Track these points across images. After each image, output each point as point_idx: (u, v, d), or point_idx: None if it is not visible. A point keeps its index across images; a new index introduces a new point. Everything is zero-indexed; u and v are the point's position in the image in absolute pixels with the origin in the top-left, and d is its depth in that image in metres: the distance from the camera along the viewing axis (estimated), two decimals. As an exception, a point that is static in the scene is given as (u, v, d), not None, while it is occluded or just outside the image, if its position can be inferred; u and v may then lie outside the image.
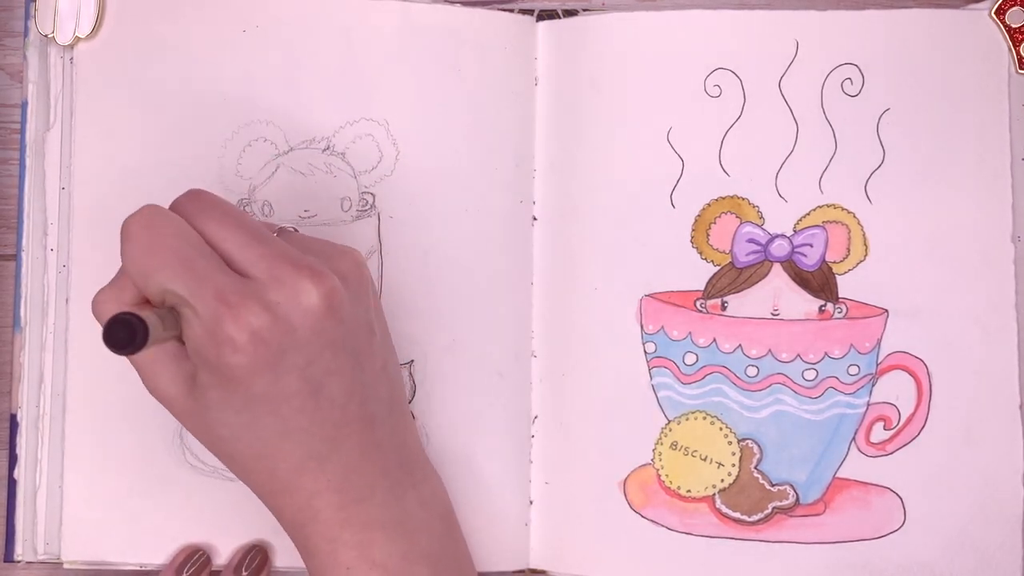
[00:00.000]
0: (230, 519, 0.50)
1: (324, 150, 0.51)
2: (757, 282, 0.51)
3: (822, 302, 0.50)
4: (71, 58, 0.51)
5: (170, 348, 0.40)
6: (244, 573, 0.49)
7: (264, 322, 0.37)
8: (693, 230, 0.51)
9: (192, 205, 0.39)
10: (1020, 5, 0.50)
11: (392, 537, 0.42)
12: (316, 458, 0.40)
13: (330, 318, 0.39)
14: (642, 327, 0.51)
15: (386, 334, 0.44)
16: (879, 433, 0.50)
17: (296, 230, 0.43)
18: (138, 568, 0.50)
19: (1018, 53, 0.50)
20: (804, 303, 0.50)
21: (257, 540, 0.50)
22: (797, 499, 0.50)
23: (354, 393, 0.40)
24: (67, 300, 0.50)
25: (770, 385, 0.50)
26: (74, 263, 0.50)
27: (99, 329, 0.49)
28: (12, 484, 0.50)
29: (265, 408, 0.39)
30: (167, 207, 0.40)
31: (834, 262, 0.50)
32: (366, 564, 0.41)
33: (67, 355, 0.50)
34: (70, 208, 0.50)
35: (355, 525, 0.41)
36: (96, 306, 0.40)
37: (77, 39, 0.50)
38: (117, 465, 0.50)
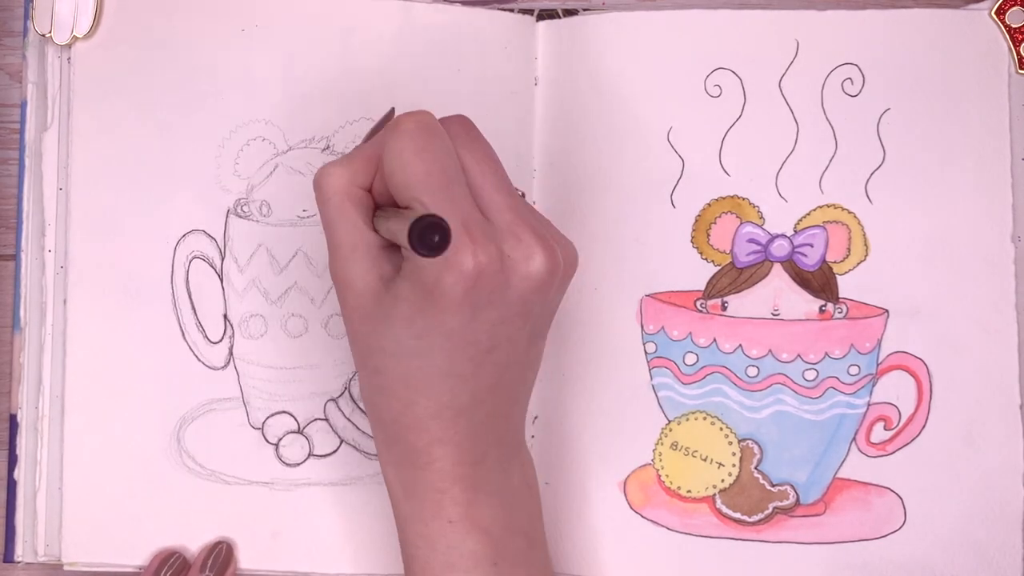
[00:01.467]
0: (228, 521, 0.50)
1: (323, 150, 0.50)
2: (757, 282, 0.51)
3: (822, 302, 0.50)
4: (69, 58, 0.50)
5: (377, 243, 0.40)
6: (209, 574, 0.49)
7: (492, 267, 0.38)
8: (693, 230, 0.51)
9: (462, 131, 0.41)
10: (1020, 5, 0.50)
11: (496, 504, 0.42)
12: (455, 408, 0.40)
13: (540, 292, 0.40)
14: (642, 327, 0.51)
15: (547, 335, 0.45)
16: (879, 433, 0.50)
17: (524, 195, 0.43)
18: (137, 570, 0.50)
19: (1018, 53, 0.50)
20: (804, 303, 0.50)
21: (221, 537, 0.50)
22: (797, 499, 0.50)
23: (514, 366, 0.41)
24: (64, 301, 0.50)
25: (770, 385, 0.50)
26: (72, 264, 0.50)
27: (96, 330, 0.49)
28: (12, 485, 0.50)
29: (443, 344, 0.39)
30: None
31: (834, 262, 0.50)
32: (469, 522, 0.41)
33: (65, 356, 0.50)
34: (68, 208, 0.50)
35: (465, 483, 0.41)
36: (324, 177, 0.40)
37: (75, 38, 0.50)
38: (116, 467, 0.50)
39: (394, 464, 0.42)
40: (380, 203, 0.41)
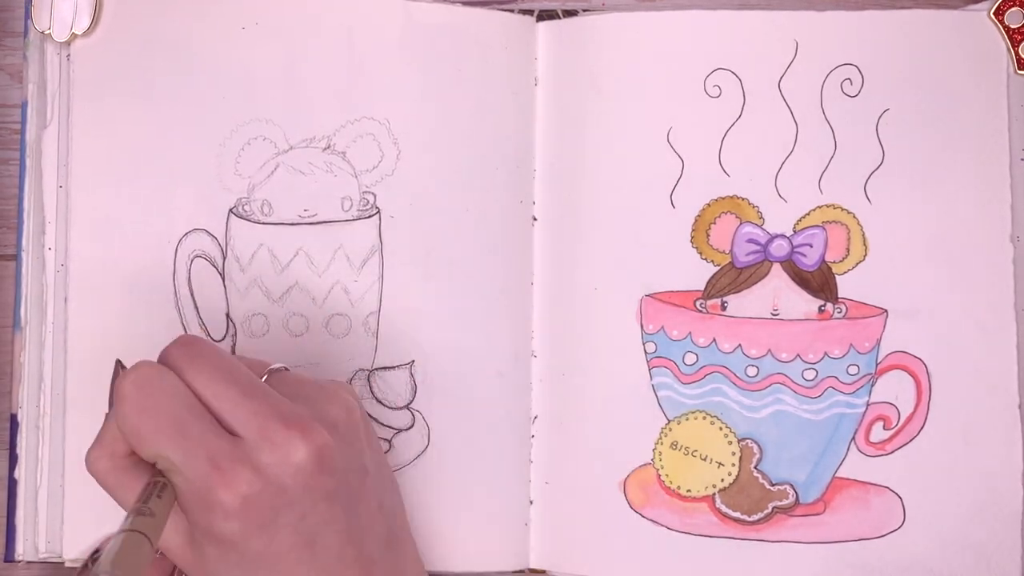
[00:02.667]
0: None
1: (324, 149, 0.50)
2: (757, 282, 0.51)
3: (822, 302, 0.50)
4: (68, 55, 0.50)
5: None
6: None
7: (255, 487, 0.37)
8: (693, 230, 0.51)
9: (182, 356, 0.39)
10: (1019, 6, 0.50)
11: None
12: None
13: (321, 473, 0.38)
14: (642, 327, 0.51)
15: (382, 466, 0.44)
16: (879, 433, 0.50)
17: (287, 369, 0.42)
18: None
19: (1017, 54, 0.50)
20: (804, 303, 0.51)
21: None
22: (797, 499, 0.50)
23: (350, 538, 0.40)
24: (65, 299, 0.50)
25: (770, 385, 0.50)
26: (72, 262, 0.50)
27: (98, 329, 0.49)
28: (12, 484, 0.50)
29: (261, 564, 0.39)
30: (156, 358, 0.40)
31: (834, 262, 0.51)
32: None
33: (66, 354, 0.50)
34: (68, 207, 0.50)
35: None
36: (91, 464, 0.40)
37: (74, 36, 0.50)
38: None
39: None
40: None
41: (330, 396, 0.42)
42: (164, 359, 0.40)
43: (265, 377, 0.41)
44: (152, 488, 0.38)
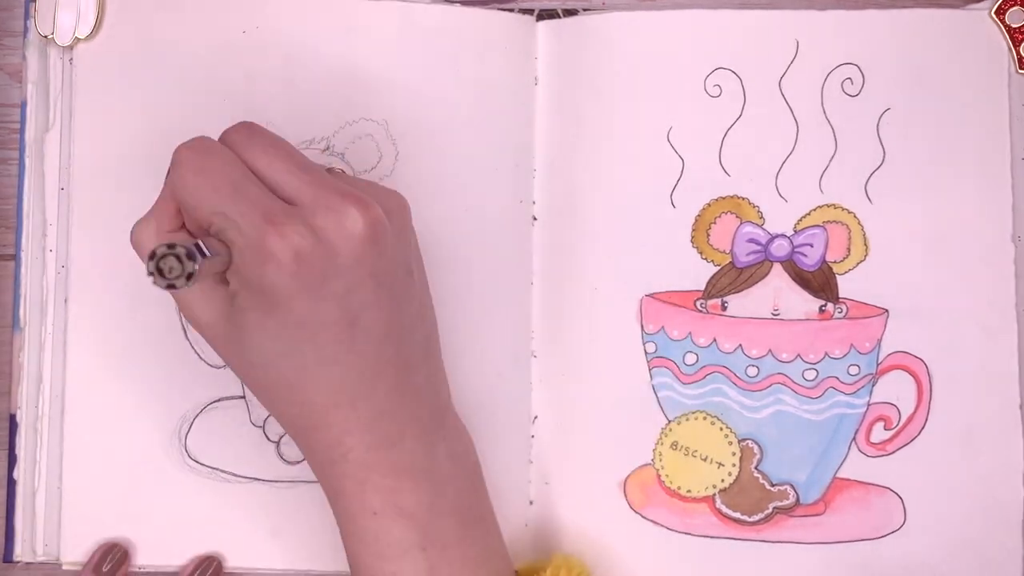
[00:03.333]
0: (228, 519, 0.50)
1: (324, 150, 0.51)
2: (757, 282, 0.51)
3: (822, 302, 0.50)
4: (70, 59, 0.51)
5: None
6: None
7: (308, 243, 0.37)
8: (693, 230, 0.51)
9: (241, 136, 0.40)
10: (1020, 5, 0.50)
11: (420, 486, 0.41)
12: (349, 394, 0.40)
13: (373, 247, 0.39)
14: (642, 327, 0.51)
15: (424, 281, 0.44)
16: (879, 433, 0.50)
17: (343, 172, 0.43)
18: (137, 569, 0.50)
19: (1018, 53, 0.50)
20: (804, 303, 0.50)
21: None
22: (797, 499, 0.50)
23: (391, 331, 0.40)
24: (66, 300, 0.50)
25: (770, 385, 0.50)
26: (73, 263, 0.50)
27: (97, 331, 0.50)
28: (11, 484, 0.50)
29: (302, 334, 0.38)
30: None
31: (834, 262, 0.50)
32: (393, 510, 0.41)
33: (66, 356, 0.50)
34: (69, 209, 0.50)
35: (384, 468, 0.41)
36: (135, 235, 0.40)
37: (77, 40, 0.50)
38: (116, 466, 0.50)
39: (317, 467, 0.42)
40: (198, 234, 0.41)
41: (386, 192, 0.42)
42: (222, 139, 0.40)
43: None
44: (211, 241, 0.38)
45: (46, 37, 0.50)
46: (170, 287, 0.34)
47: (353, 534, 0.41)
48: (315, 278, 0.38)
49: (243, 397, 0.50)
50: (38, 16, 0.50)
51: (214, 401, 0.50)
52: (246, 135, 0.40)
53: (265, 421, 0.50)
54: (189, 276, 0.34)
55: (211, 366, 0.50)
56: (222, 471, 0.50)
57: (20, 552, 0.50)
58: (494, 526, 0.45)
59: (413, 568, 0.41)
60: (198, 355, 0.50)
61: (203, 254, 0.35)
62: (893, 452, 0.50)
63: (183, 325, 0.50)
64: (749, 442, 0.50)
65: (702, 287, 0.51)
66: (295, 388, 0.40)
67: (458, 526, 0.42)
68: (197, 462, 0.50)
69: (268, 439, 0.50)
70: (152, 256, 0.34)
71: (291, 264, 0.37)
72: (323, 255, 0.38)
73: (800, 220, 0.51)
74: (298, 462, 0.50)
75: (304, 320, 0.38)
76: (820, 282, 0.50)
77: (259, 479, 0.50)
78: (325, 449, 0.41)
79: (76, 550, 0.50)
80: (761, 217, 0.51)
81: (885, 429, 0.50)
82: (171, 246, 0.34)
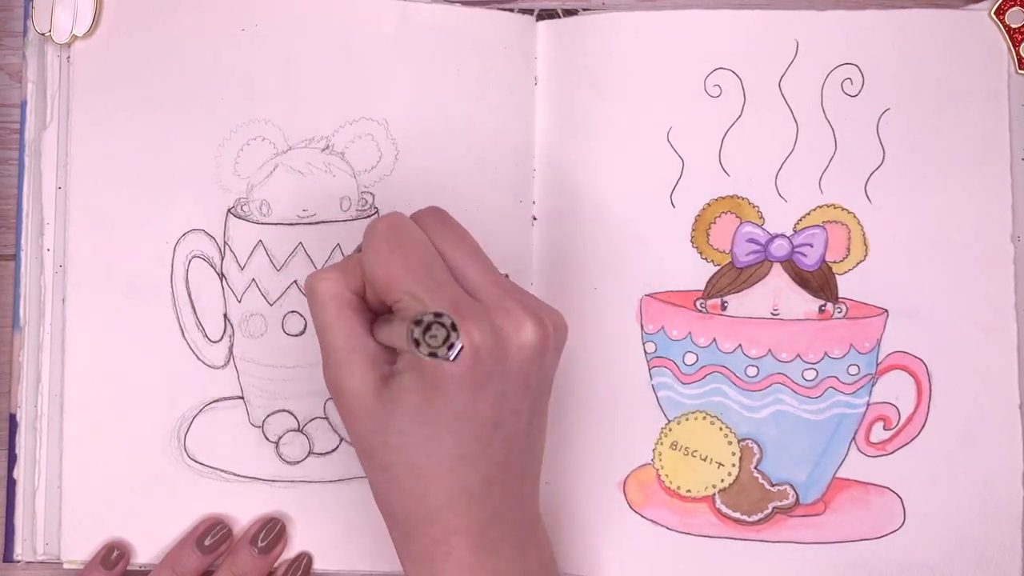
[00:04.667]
0: (228, 518, 0.50)
1: (323, 149, 0.50)
2: (757, 282, 0.51)
3: (822, 302, 0.50)
4: (68, 57, 0.50)
5: (373, 345, 0.41)
6: (261, 544, 0.49)
7: (487, 341, 0.38)
8: (693, 230, 0.51)
9: (433, 221, 0.42)
10: (1020, 5, 0.50)
11: None
12: (467, 495, 0.40)
13: (537, 360, 0.40)
14: (642, 327, 0.51)
15: (548, 405, 0.44)
16: (879, 433, 0.50)
17: (508, 277, 0.44)
18: (137, 568, 0.50)
19: (1018, 53, 0.50)
20: (804, 303, 0.50)
21: (275, 512, 0.50)
22: (797, 499, 0.50)
23: (520, 440, 0.41)
24: (63, 300, 0.50)
25: (770, 385, 0.50)
26: (71, 263, 0.50)
27: (95, 330, 0.49)
28: (11, 484, 0.50)
29: (450, 426, 0.39)
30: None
31: (834, 262, 0.50)
32: None
33: (64, 355, 0.50)
34: (66, 208, 0.50)
35: (483, 571, 0.41)
36: (319, 283, 0.41)
37: (74, 38, 0.50)
38: (115, 465, 0.50)
39: (413, 559, 0.42)
40: (372, 310, 0.42)
41: (551, 310, 0.42)
42: (416, 219, 0.41)
43: None
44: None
45: (43, 35, 0.50)
46: (432, 355, 0.34)
47: None
48: (483, 376, 0.39)
49: (242, 397, 0.50)
50: (36, 14, 0.50)
51: (213, 401, 0.50)
52: (440, 222, 0.42)
53: (264, 421, 0.50)
54: (450, 347, 0.34)
55: (210, 366, 0.50)
56: (221, 470, 0.50)
57: (20, 552, 0.50)
58: None
59: None
60: (196, 355, 0.50)
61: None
62: (893, 452, 0.50)
63: (181, 325, 0.50)
64: (749, 442, 0.50)
65: (702, 287, 0.51)
66: (421, 477, 0.40)
67: None
68: (196, 461, 0.50)
69: (267, 439, 0.50)
70: (419, 323, 0.34)
71: (469, 358, 0.38)
72: (496, 356, 0.39)
73: (800, 220, 0.51)
74: (297, 462, 0.50)
75: (458, 414, 0.39)
76: (820, 282, 0.50)
77: (258, 478, 0.50)
78: (430, 544, 0.41)
79: (76, 549, 0.50)
80: (761, 217, 0.51)
81: (885, 429, 0.50)
82: (438, 315, 0.34)
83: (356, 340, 0.40)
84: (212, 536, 0.49)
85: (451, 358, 0.34)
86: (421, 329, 0.34)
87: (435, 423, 0.39)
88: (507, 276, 0.44)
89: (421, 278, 0.39)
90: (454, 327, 0.34)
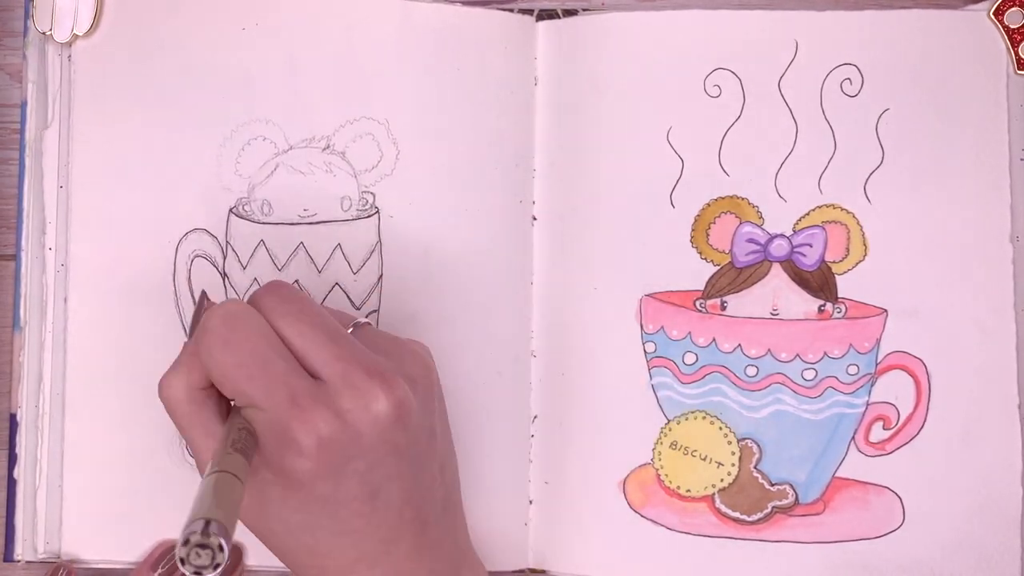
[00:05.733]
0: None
1: (324, 149, 0.51)
2: (756, 282, 0.51)
3: (821, 302, 0.50)
4: (69, 56, 0.50)
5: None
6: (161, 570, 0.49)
7: (332, 429, 0.37)
8: (693, 230, 0.51)
9: (271, 300, 0.40)
10: (1019, 6, 0.50)
11: None
12: (367, 560, 0.40)
13: (397, 427, 0.39)
14: (642, 327, 0.51)
15: (446, 433, 0.44)
16: (878, 433, 0.50)
17: (369, 323, 0.43)
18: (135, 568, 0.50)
19: (1016, 54, 0.50)
20: (803, 303, 0.51)
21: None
22: (796, 499, 0.50)
23: (411, 497, 0.40)
24: (65, 299, 0.50)
25: (769, 385, 0.50)
26: (72, 262, 0.50)
27: (97, 330, 0.49)
28: (12, 484, 0.50)
29: (323, 510, 0.39)
30: (246, 300, 0.40)
31: (833, 262, 0.51)
32: None
33: (66, 355, 0.50)
34: (68, 207, 0.50)
35: None
36: (165, 390, 0.40)
37: (75, 37, 0.50)
38: (117, 464, 0.50)
39: None
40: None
41: (411, 354, 0.42)
42: (252, 302, 0.40)
43: (350, 330, 0.41)
44: (237, 432, 0.37)
45: (44, 34, 0.50)
46: (196, 574, 0.33)
47: None
48: (338, 461, 0.38)
49: (243, 396, 0.50)
50: (36, 13, 0.50)
51: (214, 400, 0.50)
52: (276, 300, 0.40)
53: (265, 420, 0.50)
54: (217, 566, 0.33)
55: (211, 365, 0.50)
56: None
57: (21, 551, 0.50)
58: None
59: None
60: (197, 354, 0.50)
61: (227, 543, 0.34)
62: (892, 452, 0.50)
63: (183, 324, 0.50)
64: (748, 442, 0.50)
65: (701, 287, 0.51)
66: (314, 555, 0.40)
67: None
68: (197, 461, 0.50)
69: (268, 438, 0.50)
70: (185, 543, 0.33)
71: (314, 450, 0.37)
72: (347, 439, 0.38)
73: (799, 220, 0.51)
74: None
75: (326, 498, 0.38)
76: (819, 282, 0.51)
77: (259, 478, 0.50)
78: None
79: (77, 548, 0.50)
80: (760, 217, 0.51)
81: (884, 429, 0.50)
82: (205, 534, 0.33)
83: (214, 438, 0.39)
84: (167, 563, 0.49)
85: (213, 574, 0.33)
86: (187, 549, 0.33)
87: (306, 509, 0.39)
88: (367, 323, 0.42)
89: (255, 375, 0.37)
90: (220, 547, 0.33)
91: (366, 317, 0.50)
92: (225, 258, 0.50)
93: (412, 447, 0.40)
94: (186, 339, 0.50)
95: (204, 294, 0.45)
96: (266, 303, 0.40)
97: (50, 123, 0.50)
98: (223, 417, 0.40)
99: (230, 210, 0.50)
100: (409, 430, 0.39)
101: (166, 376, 0.40)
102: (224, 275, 0.50)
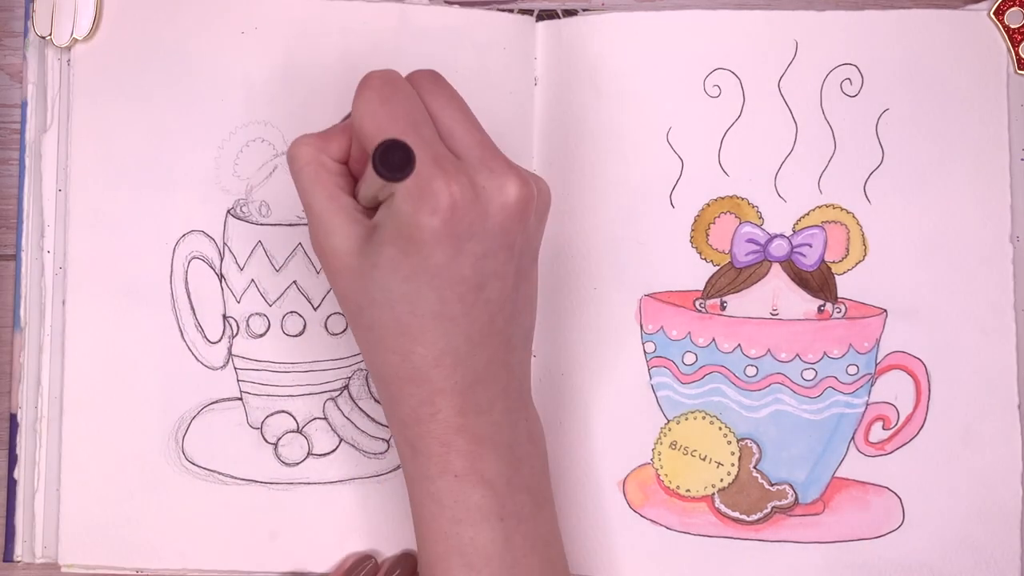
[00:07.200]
0: (226, 522, 0.50)
1: (323, 150, 0.50)
2: (756, 282, 0.51)
3: (821, 302, 0.50)
4: (68, 60, 0.50)
5: (353, 205, 0.41)
6: None
7: (467, 197, 0.38)
8: (693, 230, 0.51)
9: (426, 82, 0.42)
10: (1019, 6, 0.50)
11: (502, 458, 0.42)
12: (453, 354, 0.40)
13: (519, 221, 0.40)
14: (642, 327, 0.51)
15: (536, 277, 0.45)
16: (878, 433, 0.50)
17: None
18: (135, 572, 0.50)
19: (1017, 53, 0.50)
20: (803, 303, 0.50)
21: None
22: (796, 498, 0.50)
23: (505, 305, 0.41)
24: (64, 302, 0.50)
25: (769, 385, 0.50)
26: (71, 265, 0.50)
27: (96, 330, 0.50)
28: (12, 484, 0.50)
29: (431, 283, 0.39)
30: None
31: (833, 262, 0.50)
32: (475, 476, 0.41)
33: (64, 357, 0.50)
34: (67, 210, 0.50)
35: (469, 434, 0.41)
36: (296, 148, 0.41)
37: (75, 40, 0.50)
38: (114, 468, 0.50)
39: (400, 421, 0.42)
40: (357, 175, 0.42)
41: (537, 178, 0.43)
42: (409, 79, 0.42)
43: None
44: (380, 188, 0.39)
45: (44, 38, 0.50)
46: (397, 175, 0.33)
47: (430, 495, 0.42)
48: (462, 231, 0.38)
49: (240, 398, 0.50)
50: (36, 17, 0.50)
51: (211, 403, 0.50)
52: (433, 82, 0.42)
53: (263, 423, 0.50)
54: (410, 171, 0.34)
55: (208, 367, 0.50)
56: (219, 473, 0.50)
57: (20, 552, 0.50)
58: (555, 512, 0.46)
59: (491, 535, 0.42)
60: (195, 356, 0.50)
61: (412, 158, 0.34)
62: (891, 452, 0.50)
63: (180, 326, 0.50)
64: (748, 441, 0.50)
65: (701, 287, 0.51)
66: (406, 334, 0.40)
67: (531, 503, 0.43)
68: (194, 464, 0.50)
69: (266, 441, 0.50)
70: (379, 146, 0.33)
71: (446, 211, 0.38)
72: (476, 214, 0.39)
73: (799, 220, 0.51)
74: (296, 463, 0.50)
75: (438, 270, 0.39)
76: (819, 282, 0.50)
77: (257, 481, 0.50)
78: (415, 405, 0.41)
79: (74, 552, 0.50)
80: (760, 217, 0.51)
81: (884, 429, 0.50)
82: (399, 141, 0.34)
83: (335, 201, 0.41)
84: (359, 572, 0.49)
85: (402, 179, 0.34)
86: (380, 151, 0.33)
87: (415, 279, 0.39)
88: None
89: (406, 130, 0.39)
90: (411, 153, 0.33)
91: None
92: (222, 259, 0.50)
93: (522, 254, 0.41)
94: (183, 341, 0.50)
95: None
96: (423, 84, 0.41)
97: (49, 127, 0.50)
98: (347, 188, 0.41)
99: (228, 211, 0.50)
100: (525, 233, 0.41)
101: (301, 137, 0.42)
102: (221, 277, 0.50)
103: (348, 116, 0.43)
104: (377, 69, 0.41)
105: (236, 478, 0.50)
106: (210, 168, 0.50)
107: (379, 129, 0.39)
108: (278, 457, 0.50)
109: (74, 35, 0.50)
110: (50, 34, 0.50)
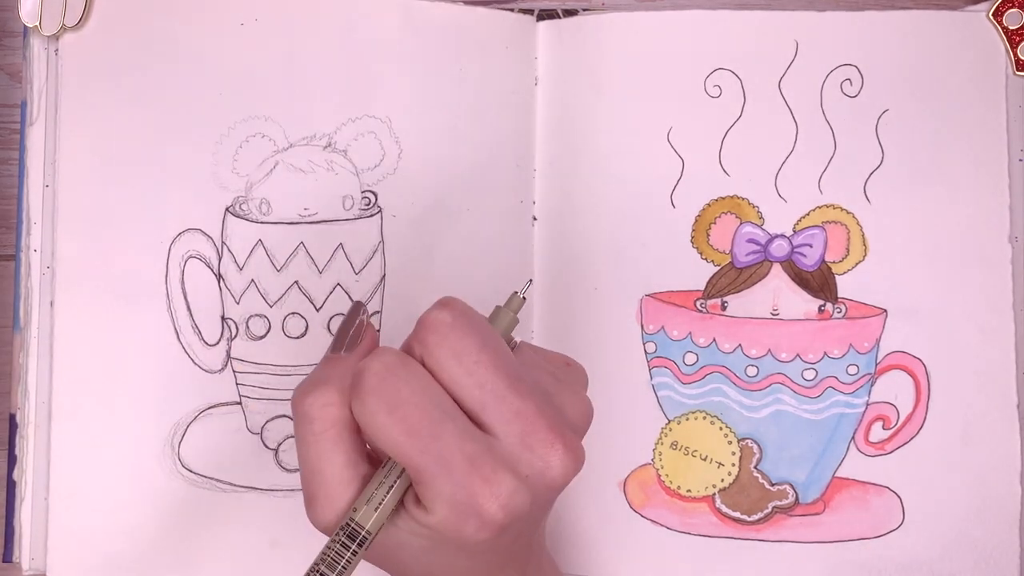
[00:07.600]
0: (224, 530, 0.48)
1: (325, 147, 0.49)
2: (757, 282, 0.51)
3: (821, 302, 0.51)
4: (56, 50, 0.49)
5: (368, 473, 0.36)
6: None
7: (517, 501, 0.34)
8: (693, 230, 0.51)
9: (438, 338, 0.35)
10: (1018, 7, 0.51)
11: None
12: None
13: (561, 489, 0.36)
14: (642, 327, 0.51)
15: None
16: (878, 432, 0.50)
17: (524, 343, 0.39)
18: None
19: (1015, 54, 0.51)
20: (803, 303, 0.51)
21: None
22: (796, 498, 0.50)
23: (530, 530, 0.38)
24: (51, 303, 0.48)
25: (770, 385, 0.50)
26: (59, 265, 0.48)
27: (87, 333, 0.48)
28: (11, 485, 0.48)
29: (466, 553, 0.36)
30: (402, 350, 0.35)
31: (833, 262, 0.51)
32: None
33: (52, 361, 0.48)
34: (55, 207, 0.48)
35: None
36: (316, 409, 0.35)
37: (64, 29, 0.48)
38: (105, 476, 0.48)
39: None
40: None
41: (574, 386, 0.39)
42: (413, 340, 0.36)
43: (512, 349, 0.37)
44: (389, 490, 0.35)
45: (31, 27, 0.48)
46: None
47: None
48: (509, 525, 0.35)
49: (239, 403, 0.49)
50: (24, 4, 0.48)
51: (209, 407, 0.49)
52: (443, 342, 0.35)
53: (263, 428, 0.49)
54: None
55: (206, 371, 0.49)
56: (217, 480, 0.49)
57: (20, 554, 0.48)
58: None
59: None
60: (192, 359, 0.49)
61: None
62: (892, 451, 0.50)
63: (176, 328, 0.49)
64: (748, 441, 0.50)
65: (702, 287, 0.51)
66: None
67: None
68: (191, 471, 0.48)
69: (266, 446, 0.49)
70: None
71: (496, 527, 0.34)
72: (526, 507, 0.34)
73: (799, 220, 0.51)
74: (297, 470, 0.49)
75: (477, 548, 0.35)
76: (819, 282, 0.51)
77: (256, 488, 0.49)
78: None
79: (62, 565, 0.48)
80: (761, 217, 0.51)
81: (884, 428, 0.50)
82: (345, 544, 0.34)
83: (355, 470, 0.36)
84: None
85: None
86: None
87: (454, 558, 0.36)
88: (521, 343, 0.39)
89: (428, 446, 0.33)
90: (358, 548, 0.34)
91: (370, 317, 0.49)
92: (220, 259, 0.49)
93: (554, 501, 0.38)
94: (179, 344, 0.49)
95: (360, 304, 0.39)
96: (433, 341, 0.35)
97: (35, 119, 0.48)
98: (364, 453, 0.36)
99: (227, 209, 0.49)
100: (562, 489, 0.36)
101: (313, 390, 0.36)
102: (219, 277, 0.49)
103: (340, 336, 0.38)
104: (371, 359, 0.35)
105: (235, 485, 0.49)
106: (207, 164, 0.49)
107: (395, 447, 0.34)
108: (279, 463, 0.49)
109: (64, 23, 0.48)
110: (37, 23, 0.48)
